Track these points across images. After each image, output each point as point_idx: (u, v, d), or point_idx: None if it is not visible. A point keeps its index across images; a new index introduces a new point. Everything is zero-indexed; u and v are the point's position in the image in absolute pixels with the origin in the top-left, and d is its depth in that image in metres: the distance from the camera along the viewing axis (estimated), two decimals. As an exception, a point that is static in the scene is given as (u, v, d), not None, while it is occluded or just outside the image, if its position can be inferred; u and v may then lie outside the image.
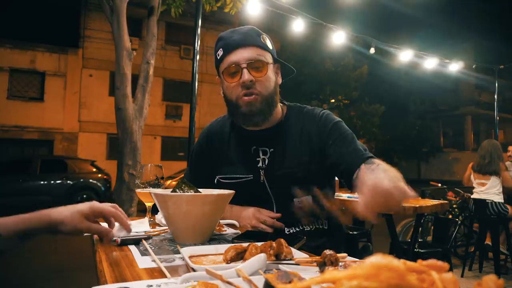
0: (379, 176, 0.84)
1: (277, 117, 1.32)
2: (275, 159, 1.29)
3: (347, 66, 17.55)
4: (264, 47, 1.25)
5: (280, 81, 1.34)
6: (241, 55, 1.21)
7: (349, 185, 1.24)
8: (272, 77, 1.26)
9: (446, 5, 25.19)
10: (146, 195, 1.21)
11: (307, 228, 1.30)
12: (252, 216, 1.22)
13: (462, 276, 4.04)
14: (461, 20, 24.66)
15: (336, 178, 1.96)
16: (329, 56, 16.30)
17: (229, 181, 1.32)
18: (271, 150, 1.30)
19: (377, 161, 1.17)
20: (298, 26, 5.15)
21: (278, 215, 1.24)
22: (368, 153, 1.21)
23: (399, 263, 0.30)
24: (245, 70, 1.20)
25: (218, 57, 1.28)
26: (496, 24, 23.76)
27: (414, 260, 0.34)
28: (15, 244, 0.88)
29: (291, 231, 1.28)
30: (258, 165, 1.30)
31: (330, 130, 1.27)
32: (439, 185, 5.74)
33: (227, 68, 1.23)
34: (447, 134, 26.21)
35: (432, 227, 4.32)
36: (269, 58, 1.26)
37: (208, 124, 1.49)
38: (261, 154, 1.31)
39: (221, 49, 1.26)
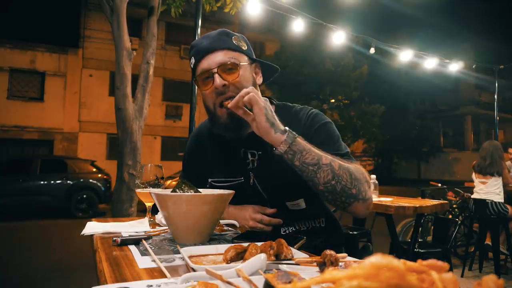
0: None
1: None
2: (263, 162, 1.27)
3: (347, 66, 17.57)
4: (236, 49, 1.21)
5: (260, 81, 1.31)
6: (211, 60, 1.18)
7: None
8: (248, 78, 1.21)
9: (446, 5, 25.21)
10: (146, 195, 1.21)
11: (303, 227, 1.29)
12: (249, 217, 1.21)
13: (462, 276, 4.04)
14: (461, 20, 24.67)
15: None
16: (329, 56, 16.31)
17: (221, 184, 1.31)
18: (259, 152, 1.28)
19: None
20: (298, 26, 5.15)
21: (273, 210, 1.23)
22: (348, 156, 1.19)
23: (399, 263, 0.30)
24: (216, 75, 1.16)
25: (192, 66, 1.25)
26: (496, 24, 23.78)
27: (414, 260, 0.34)
28: None
29: (287, 231, 1.27)
30: (248, 167, 1.28)
31: (315, 131, 1.24)
32: (439, 185, 5.74)
33: (199, 76, 1.20)
34: (447, 134, 26.23)
35: (432, 227, 4.32)
36: (243, 59, 1.22)
37: (198, 125, 1.48)
38: (249, 156, 1.29)
39: (193, 57, 1.24)
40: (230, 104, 1.07)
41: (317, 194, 1.33)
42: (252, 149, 1.29)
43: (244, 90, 1.06)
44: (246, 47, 1.26)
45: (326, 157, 1.07)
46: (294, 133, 1.06)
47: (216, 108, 1.19)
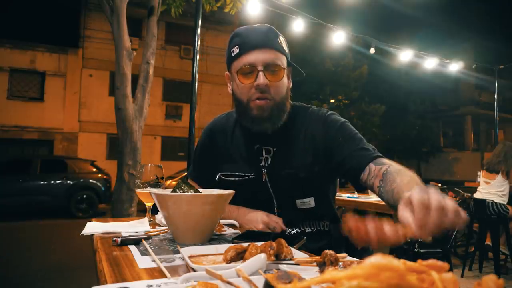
0: (424, 191, 0.70)
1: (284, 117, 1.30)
2: (278, 159, 1.27)
3: (347, 66, 17.56)
4: (281, 50, 1.22)
5: (290, 85, 1.32)
6: (258, 56, 1.18)
7: (357, 185, 1.24)
8: (286, 83, 1.25)
9: (446, 5, 25.19)
10: (146, 195, 1.21)
11: (308, 229, 1.29)
12: (261, 220, 1.20)
13: (462, 276, 4.04)
14: (461, 20, 24.65)
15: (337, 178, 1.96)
16: (329, 56, 16.30)
17: (231, 178, 1.30)
18: (274, 149, 1.28)
19: (386, 160, 1.15)
20: (298, 26, 5.16)
21: (284, 228, 1.22)
22: (376, 153, 1.19)
23: (399, 263, 0.30)
24: (261, 73, 1.17)
25: (233, 54, 1.23)
26: (496, 24, 23.77)
27: (414, 260, 0.34)
28: None
29: (292, 232, 1.27)
30: (261, 164, 1.28)
31: (337, 130, 1.24)
32: (439, 185, 5.74)
33: (242, 68, 1.20)
34: (447, 134, 26.21)
35: (432, 227, 4.31)
36: (284, 62, 1.23)
37: (212, 120, 1.47)
38: (264, 153, 1.29)
39: (237, 46, 1.22)
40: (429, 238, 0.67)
41: (327, 193, 1.33)
42: (267, 145, 1.29)
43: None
44: (287, 50, 1.28)
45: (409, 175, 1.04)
46: None
47: (249, 101, 1.20)
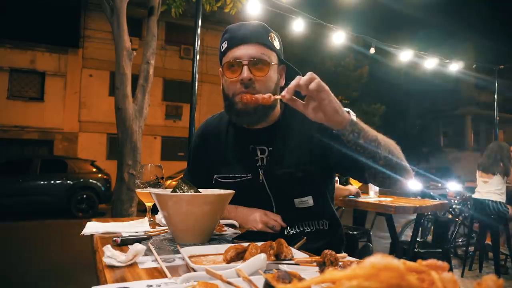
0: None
1: (276, 115, 1.29)
2: (274, 159, 1.26)
3: (348, 66, 17.59)
4: (270, 46, 1.22)
5: (283, 83, 1.31)
6: (244, 51, 1.18)
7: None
8: (273, 78, 1.23)
9: (446, 5, 25.19)
10: (146, 195, 1.21)
11: (307, 229, 1.28)
12: (260, 220, 1.20)
13: (462, 276, 4.04)
14: (461, 20, 24.65)
15: (336, 178, 1.95)
16: (329, 56, 16.32)
17: (227, 180, 1.29)
18: (269, 149, 1.27)
19: None
20: (298, 26, 5.16)
21: (283, 224, 1.22)
22: None
23: (399, 263, 0.30)
24: (245, 68, 1.17)
25: (222, 50, 1.25)
26: (496, 24, 23.77)
27: (414, 260, 0.34)
28: None
29: (291, 232, 1.26)
30: (257, 164, 1.27)
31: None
32: (439, 185, 5.74)
33: (228, 63, 1.21)
34: (447, 134, 26.21)
35: (432, 227, 4.32)
36: (273, 58, 1.23)
37: (204, 121, 1.47)
38: (259, 153, 1.28)
39: (226, 41, 1.24)
40: (287, 96, 0.96)
41: (325, 192, 1.32)
42: (262, 145, 1.28)
43: (302, 78, 0.94)
44: (279, 47, 1.27)
45: (378, 133, 1.07)
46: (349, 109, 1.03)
47: (235, 96, 1.20)
